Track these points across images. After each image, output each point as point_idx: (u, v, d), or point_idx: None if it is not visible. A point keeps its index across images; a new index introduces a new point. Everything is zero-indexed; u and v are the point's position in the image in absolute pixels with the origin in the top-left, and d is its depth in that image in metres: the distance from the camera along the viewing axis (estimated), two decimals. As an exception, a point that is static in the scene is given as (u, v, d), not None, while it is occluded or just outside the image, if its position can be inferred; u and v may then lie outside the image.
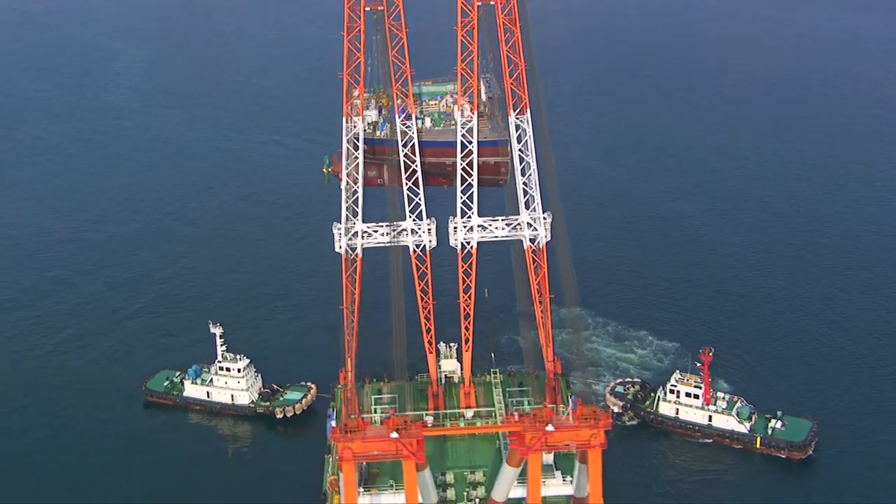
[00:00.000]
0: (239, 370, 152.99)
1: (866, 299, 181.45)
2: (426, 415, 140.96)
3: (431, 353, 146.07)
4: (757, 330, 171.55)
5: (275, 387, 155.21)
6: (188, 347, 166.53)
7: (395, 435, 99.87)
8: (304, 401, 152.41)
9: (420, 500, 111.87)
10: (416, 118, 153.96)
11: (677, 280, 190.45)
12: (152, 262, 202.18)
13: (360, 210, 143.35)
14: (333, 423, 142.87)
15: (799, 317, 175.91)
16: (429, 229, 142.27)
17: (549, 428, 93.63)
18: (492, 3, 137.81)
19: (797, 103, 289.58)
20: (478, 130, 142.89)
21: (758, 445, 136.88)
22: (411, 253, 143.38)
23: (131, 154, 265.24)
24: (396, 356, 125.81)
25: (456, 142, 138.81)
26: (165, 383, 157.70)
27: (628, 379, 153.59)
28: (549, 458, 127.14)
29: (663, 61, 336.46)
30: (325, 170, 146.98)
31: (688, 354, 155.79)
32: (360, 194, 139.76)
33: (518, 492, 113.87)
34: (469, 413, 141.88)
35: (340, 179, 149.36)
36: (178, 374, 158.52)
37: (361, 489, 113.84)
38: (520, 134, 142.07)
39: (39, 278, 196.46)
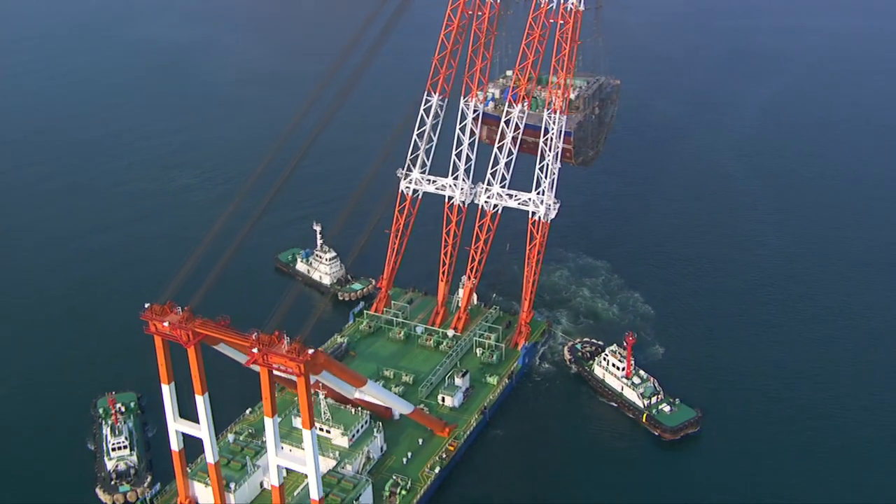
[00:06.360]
0: (327, 259, 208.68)
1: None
2: (416, 325, 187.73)
3: (443, 281, 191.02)
4: (726, 327, 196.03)
5: (349, 277, 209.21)
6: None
7: (166, 323, 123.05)
8: (361, 291, 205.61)
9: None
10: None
11: (701, 259, 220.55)
12: (325, 166, 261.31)
13: (428, 161, 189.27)
14: (356, 310, 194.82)
15: (780, 326, 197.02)
16: (462, 189, 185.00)
17: (255, 350, 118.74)
18: (561, 21, 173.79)
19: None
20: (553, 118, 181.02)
21: (643, 420, 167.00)
22: (445, 203, 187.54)
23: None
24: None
25: (535, 125, 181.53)
26: (289, 258, 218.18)
27: (593, 339, 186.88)
28: (461, 381, 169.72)
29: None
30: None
31: (649, 326, 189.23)
32: (421, 150, 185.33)
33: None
34: (451, 332, 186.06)
35: (480, 138, 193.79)
36: (298, 252, 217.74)
37: None
38: (548, 129, 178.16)
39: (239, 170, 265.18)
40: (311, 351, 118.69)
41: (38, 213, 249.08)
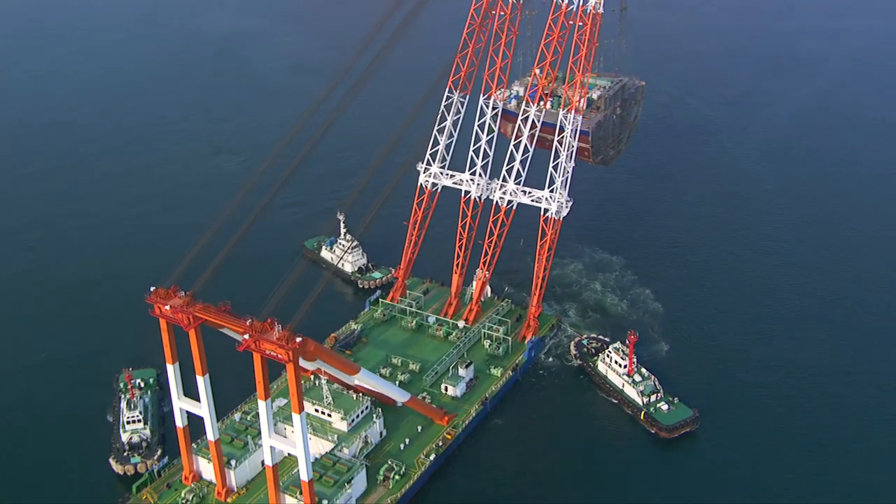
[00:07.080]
0: (349, 248, 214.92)
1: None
2: (428, 316, 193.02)
3: (457, 273, 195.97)
4: (733, 328, 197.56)
5: (370, 265, 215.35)
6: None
7: (167, 307, 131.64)
8: (380, 280, 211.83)
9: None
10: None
11: (716, 259, 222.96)
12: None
13: (448, 156, 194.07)
14: (372, 298, 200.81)
15: (783, 332, 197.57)
16: (478, 184, 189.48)
17: (246, 336, 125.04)
18: (580, 23, 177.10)
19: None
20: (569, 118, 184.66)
21: (641, 417, 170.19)
22: (461, 197, 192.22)
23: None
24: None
25: (552, 123, 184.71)
26: (314, 245, 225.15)
27: (600, 336, 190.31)
28: (466, 371, 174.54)
29: None
30: None
31: (657, 323, 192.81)
32: (441, 145, 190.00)
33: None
34: (461, 324, 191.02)
35: (504, 134, 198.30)
36: (324, 240, 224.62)
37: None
38: (563, 128, 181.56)
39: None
40: (299, 339, 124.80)
41: (85, 194, 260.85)
